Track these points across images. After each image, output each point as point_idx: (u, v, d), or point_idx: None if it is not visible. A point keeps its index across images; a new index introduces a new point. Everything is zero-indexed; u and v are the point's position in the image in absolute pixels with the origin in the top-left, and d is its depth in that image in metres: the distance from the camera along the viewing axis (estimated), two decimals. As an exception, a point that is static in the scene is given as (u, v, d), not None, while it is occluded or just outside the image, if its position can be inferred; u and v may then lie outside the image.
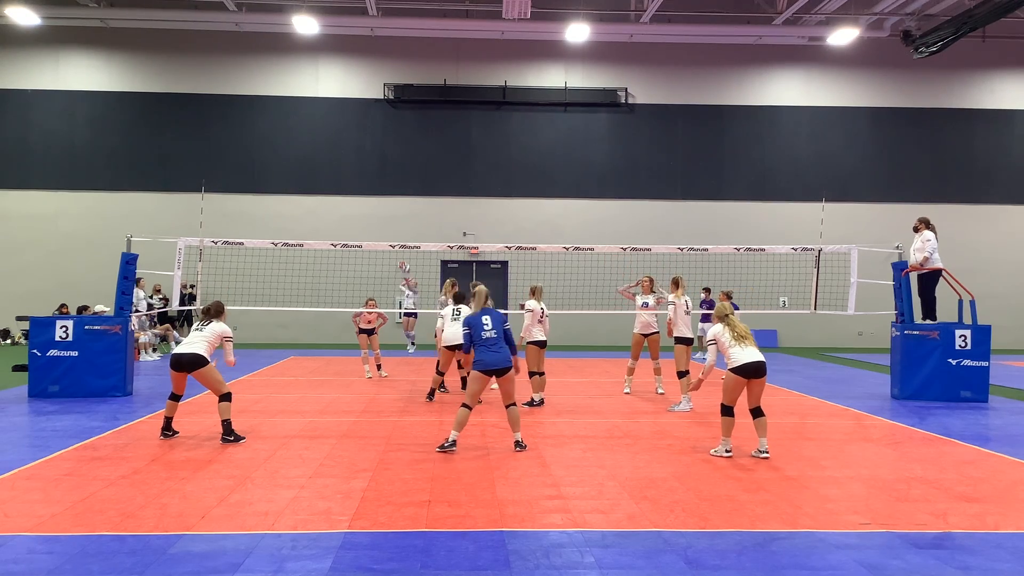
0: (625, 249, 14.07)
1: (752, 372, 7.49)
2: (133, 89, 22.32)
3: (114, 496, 6.00)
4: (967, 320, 12.03)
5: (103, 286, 15.00)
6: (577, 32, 21.00)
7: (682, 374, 10.78)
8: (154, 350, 17.66)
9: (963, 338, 11.77)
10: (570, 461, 7.43)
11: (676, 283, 11.23)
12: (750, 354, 7.50)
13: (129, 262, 11.87)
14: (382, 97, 22.55)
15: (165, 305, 17.93)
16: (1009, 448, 8.23)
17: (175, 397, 8.36)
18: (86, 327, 11.36)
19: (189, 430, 8.72)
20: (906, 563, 4.76)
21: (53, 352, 11.21)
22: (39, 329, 11.33)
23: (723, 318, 7.77)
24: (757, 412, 7.67)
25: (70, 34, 21.93)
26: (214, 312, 8.51)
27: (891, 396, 12.19)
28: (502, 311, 10.73)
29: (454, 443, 7.73)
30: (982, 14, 17.96)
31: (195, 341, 8.24)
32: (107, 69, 22.30)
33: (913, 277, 12.52)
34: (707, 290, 18.09)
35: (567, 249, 14.77)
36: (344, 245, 13.21)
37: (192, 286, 16.01)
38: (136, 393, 11.65)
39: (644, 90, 23.01)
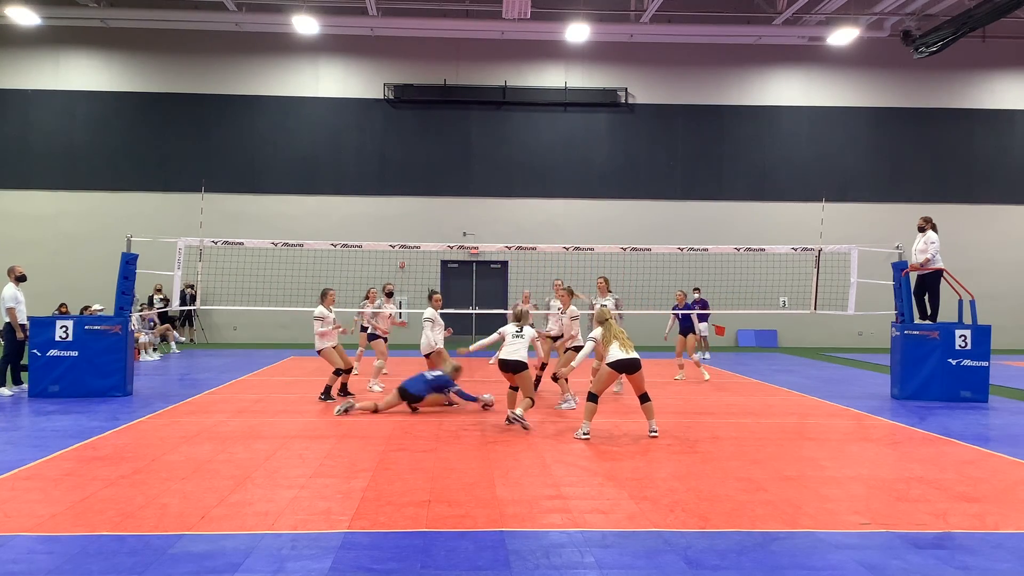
0: (625, 249, 14.07)
1: (625, 367, 8.49)
2: (133, 89, 22.33)
3: (114, 496, 6.00)
4: (967, 320, 12.03)
5: (103, 286, 14.98)
6: (577, 32, 20.99)
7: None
8: (154, 350, 17.66)
9: (963, 338, 11.77)
10: (570, 461, 7.43)
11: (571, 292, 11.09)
12: (622, 353, 8.51)
13: (129, 262, 11.87)
14: (382, 97, 22.55)
15: (166, 305, 17.91)
16: (1009, 448, 8.22)
17: None
18: (86, 327, 11.37)
19: (189, 430, 8.74)
20: (906, 563, 4.76)
21: (53, 352, 11.21)
22: (39, 329, 11.34)
23: (603, 322, 8.74)
24: (644, 399, 8.68)
25: (70, 34, 21.93)
26: None
27: (891, 396, 12.19)
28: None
29: None
30: (982, 14, 17.95)
31: None
32: (107, 69, 22.31)
33: (913, 277, 12.51)
34: (697, 290, 18.05)
35: (567, 249, 14.75)
36: (344, 245, 13.21)
37: (192, 286, 16.01)
38: (136, 393, 11.66)
39: (644, 90, 23.01)
